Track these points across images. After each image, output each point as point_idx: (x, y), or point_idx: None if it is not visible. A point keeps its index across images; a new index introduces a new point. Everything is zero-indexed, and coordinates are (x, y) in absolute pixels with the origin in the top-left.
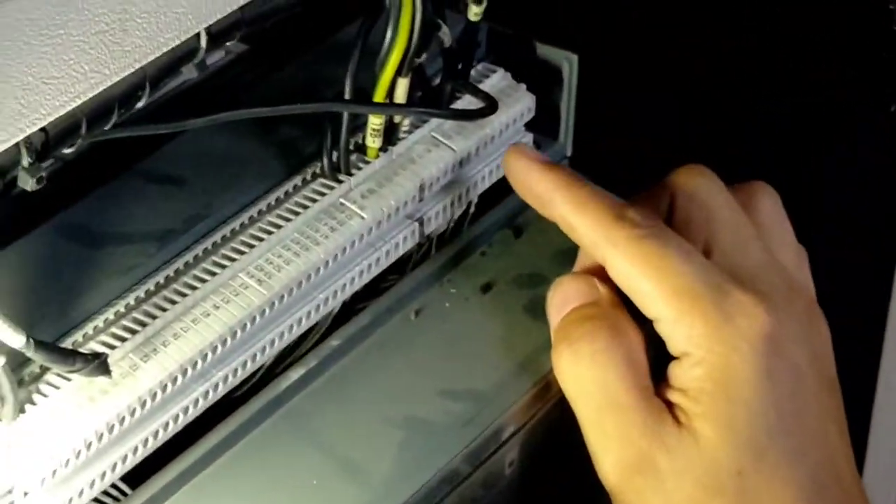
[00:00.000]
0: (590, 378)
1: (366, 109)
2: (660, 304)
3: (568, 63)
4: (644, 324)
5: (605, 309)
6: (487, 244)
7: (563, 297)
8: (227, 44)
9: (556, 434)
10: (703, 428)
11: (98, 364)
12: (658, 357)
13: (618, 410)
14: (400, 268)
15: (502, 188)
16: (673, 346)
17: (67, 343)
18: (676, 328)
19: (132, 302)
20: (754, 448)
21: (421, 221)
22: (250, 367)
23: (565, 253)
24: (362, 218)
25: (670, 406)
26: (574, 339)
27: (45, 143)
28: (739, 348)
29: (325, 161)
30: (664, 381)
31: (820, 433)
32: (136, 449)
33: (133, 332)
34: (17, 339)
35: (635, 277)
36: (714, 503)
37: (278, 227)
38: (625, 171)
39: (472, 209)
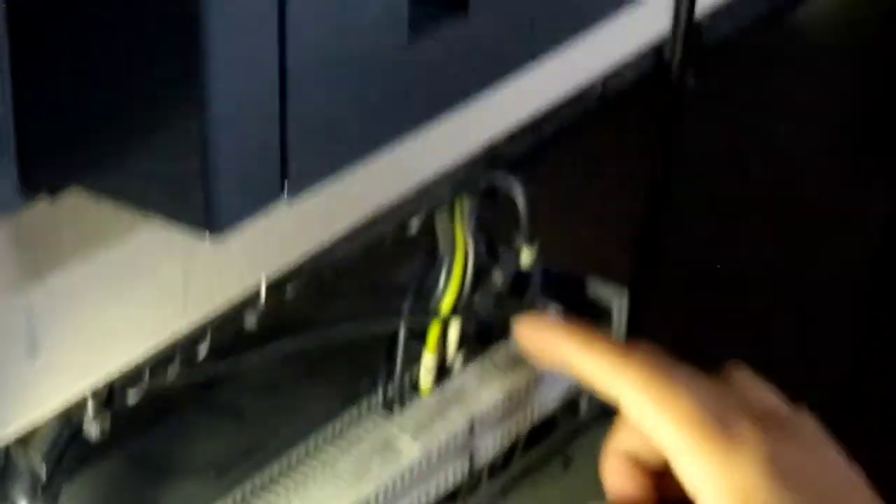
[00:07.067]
0: None
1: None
2: (673, 437)
3: (618, 298)
4: None
5: None
6: (537, 474)
7: None
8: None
9: None
10: None
11: None
12: None
13: None
14: (450, 497)
15: (553, 419)
16: (689, 482)
17: None
18: (691, 460)
19: None
20: None
21: (472, 455)
22: None
23: None
24: (413, 453)
25: None
26: None
27: (110, 394)
28: (755, 471)
29: (379, 396)
30: None
31: None
32: None
33: None
34: None
35: (648, 412)
36: None
37: (331, 461)
38: None
39: (522, 441)
